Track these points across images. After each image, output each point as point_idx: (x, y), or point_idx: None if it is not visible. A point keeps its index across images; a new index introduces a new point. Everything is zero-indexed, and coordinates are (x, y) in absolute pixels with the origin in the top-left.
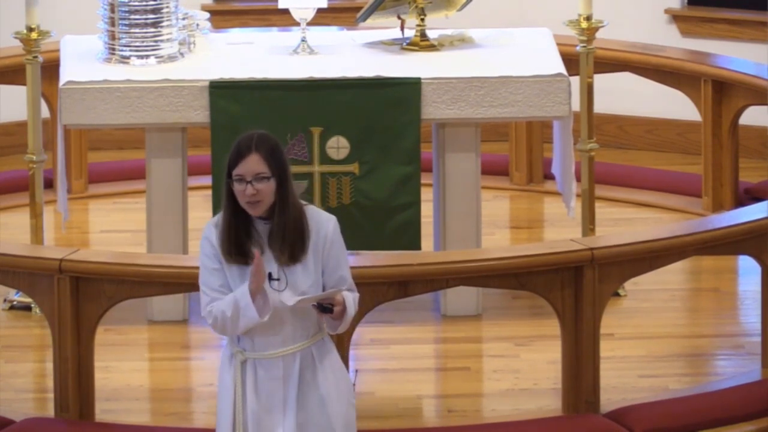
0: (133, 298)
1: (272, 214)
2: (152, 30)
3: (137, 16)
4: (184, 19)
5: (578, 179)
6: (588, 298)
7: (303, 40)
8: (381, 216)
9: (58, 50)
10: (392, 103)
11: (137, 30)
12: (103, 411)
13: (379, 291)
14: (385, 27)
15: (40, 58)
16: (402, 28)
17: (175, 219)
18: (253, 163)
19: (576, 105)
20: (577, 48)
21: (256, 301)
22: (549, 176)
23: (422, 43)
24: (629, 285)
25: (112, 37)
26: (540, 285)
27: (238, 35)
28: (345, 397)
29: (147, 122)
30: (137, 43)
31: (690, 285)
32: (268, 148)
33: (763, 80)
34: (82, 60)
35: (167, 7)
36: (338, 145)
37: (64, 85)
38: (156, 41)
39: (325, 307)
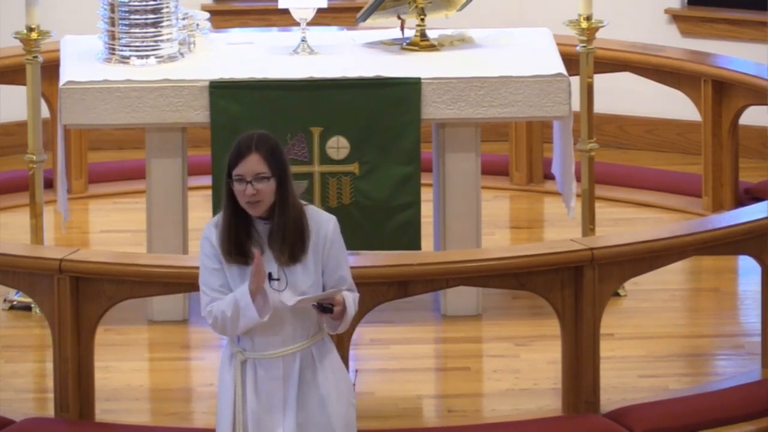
0: (133, 298)
1: (272, 214)
2: (152, 30)
3: (137, 16)
4: (184, 19)
5: (578, 179)
6: (588, 298)
7: (303, 40)
8: (381, 216)
9: (58, 50)
10: (392, 103)
11: (137, 30)
12: (103, 411)
13: (379, 291)
14: (385, 27)
15: (40, 58)
16: (402, 28)
17: (175, 219)
18: (253, 163)
19: (576, 105)
20: (577, 48)
21: (256, 301)
22: (549, 176)
23: (422, 43)
24: (629, 285)
25: (112, 37)
26: (540, 285)
27: (238, 35)
28: (345, 397)
29: (147, 122)
30: (137, 43)
31: (690, 285)
32: (268, 148)
33: (763, 80)
34: (82, 60)
35: (167, 7)
36: (338, 145)
37: (64, 85)
38: (156, 41)
39: (325, 307)
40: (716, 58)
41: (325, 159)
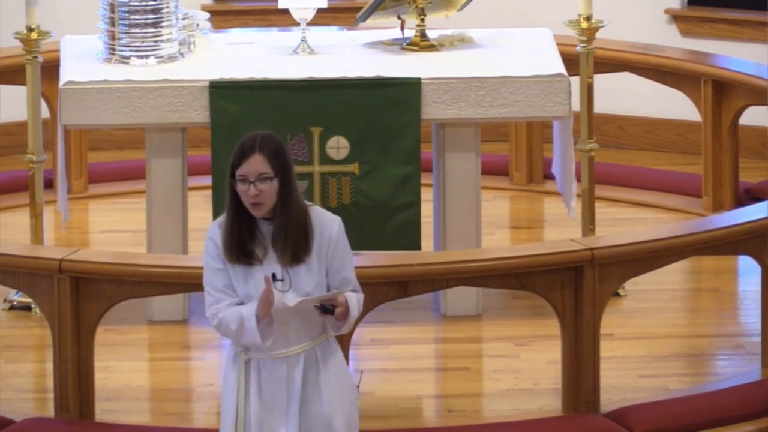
0: (133, 298)
1: (275, 214)
2: (152, 30)
3: (137, 16)
4: (184, 19)
5: (578, 179)
6: (588, 298)
7: (303, 40)
8: (381, 216)
9: (58, 50)
10: (392, 103)
11: (137, 30)
12: (103, 411)
13: (379, 291)
14: (385, 27)
15: (40, 58)
16: (402, 28)
17: (175, 219)
18: (257, 164)
19: (576, 105)
20: (577, 48)
21: (260, 324)
22: (549, 176)
23: (422, 43)
24: (629, 285)
25: (112, 37)
26: (540, 285)
27: (238, 35)
28: (348, 398)
29: (147, 122)
30: (137, 43)
31: (690, 285)
32: (272, 149)
33: (763, 80)
34: (82, 60)
35: (167, 7)
36: (338, 145)
37: (64, 85)
38: (156, 41)
39: (327, 308)
40: (716, 58)
41: (325, 159)
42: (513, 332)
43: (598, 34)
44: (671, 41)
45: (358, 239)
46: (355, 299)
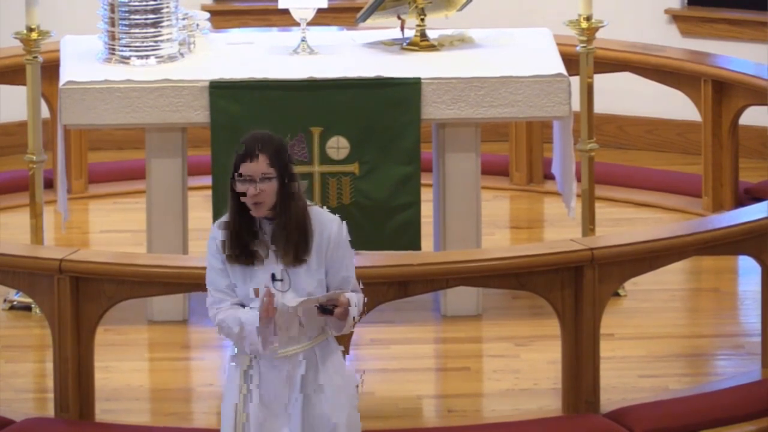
0: (133, 298)
1: (276, 214)
2: (152, 30)
3: (137, 16)
4: (184, 19)
5: (578, 179)
6: (588, 298)
7: (303, 40)
8: (381, 216)
9: (58, 50)
10: (392, 103)
11: (137, 30)
12: (103, 411)
13: (379, 291)
14: (385, 27)
15: (40, 58)
16: (402, 28)
17: (175, 219)
18: (258, 164)
19: (576, 105)
20: (577, 48)
21: (261, 333)
22: (549, 176)
23: (422, 43)
24: (629, 285)
25: (112, 37)
26: (540, 285)
27: (238, 35)
28: (348, 398)
29: (147, 122)
30: (137, 43)
31: (690, 285)
32: (273, 149)
33: (763, 80)
34: (82, 60)
35: (167, 7)
36: (338, 145)
37: (64, 85)
38: (156, 41)
39: (327, 309)
40: (716, 58)
41: (325, 159)
42: (513, 332)
43: (598, 34)
44: (671, 41)
45: (358, 239)
46: (354, 299)
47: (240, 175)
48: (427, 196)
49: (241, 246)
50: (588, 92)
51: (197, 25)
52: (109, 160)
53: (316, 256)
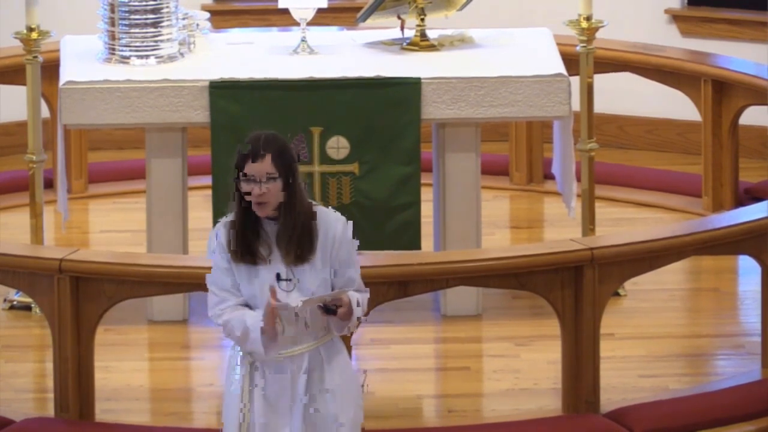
0: (133, 298)
1: (280, 214)
2: (152, 30)
3: (137, 16)
4: (184, 19)
5: (578, 179)
6: (588, 298)
7: (303, 40)
8: (381, 216)
9: (58, 50)
10: (392, 103)
11: (137, 30)
12: (103, 411)
13: (379, 291)
14: (385, 27)
15: (40, 58)
16: (402, 28)
17: (175, 219)
18: (262, 164)
19: (576, 105)
20: (577, 48)
21: (264, 337)
22: (549, 176)
23: (422, 43)
24: (629, 285)
25: (112, 37)
26: (540, 285)
27: (238, 35)
28: (352, 398)
29: (147, 122)
30: (137, 43)
31: (690, 285)
32: (277, 148)
33: (763, 80)
34: (82, 60)
35: (167, 7)
36: (338, 145)
37: (64, 85)
38: (156, 41)
39: (330, 308)
40: (716, 58)
41: (325, 159)
42: (513, 332)
43: (598, 34)
44: (671, 41)
45: (358, 239)
46: (356, 299)
47: (245, 174)
48: (427, 196)
49: (246, 245)
50: (588, 92)
51: (197, 25)
52: (109, 160)
53: (321, 255)
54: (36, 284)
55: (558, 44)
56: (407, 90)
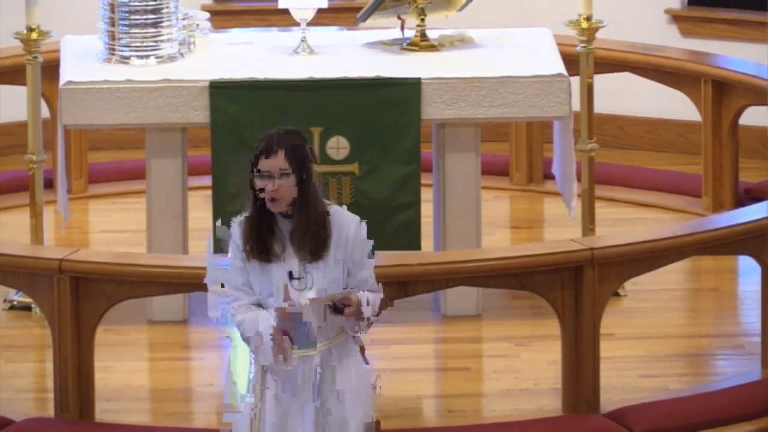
0: (133, 298)
1: (294, 211)
2: (152, 30)
3: (137, 17)
4: (184, 19)
5: (578, 179)
6: (588, 298)
7: (303, 40)
8: (381, 216)
9: (58, 50)
10: (392, 103)
11: (137, 30)
12: (103, 411)
13: None
14: (385, 27)
15: (40, 58)
16: (402, 28)
17: (175, 219)
18: (275, 160)
19: (576, 105)
20: (577, 48)
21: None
22: (549, 176)
23: (422, 43)
24: (629, 285)
25: (112, 37)
26: (540, 285)
27: (238, 35)
28: (364, 398)
29: (147, 122)
30: (137, 43)
31: (690, 285)
32: (290, 145)
33: (763, 80)
34: (82, 60)
35: (167, 7)
36: (338, 145)
37: (64, 85)
38: (156, 41)
39: (338, 308)
40: (716, 58)
41: (325, 159)
42: (513, 332)
43: (598, 34)
44: (671, 41)
45: None
46: (366, 299)
47: (258, 170)
48: (427, 196)
49: (260, 242)
50: (588, 92)
51: (197, 25)
52: (109, 160)
53: (334, 255)
54: (36, 284)
55: (558, 44)
56: (407, 90)
